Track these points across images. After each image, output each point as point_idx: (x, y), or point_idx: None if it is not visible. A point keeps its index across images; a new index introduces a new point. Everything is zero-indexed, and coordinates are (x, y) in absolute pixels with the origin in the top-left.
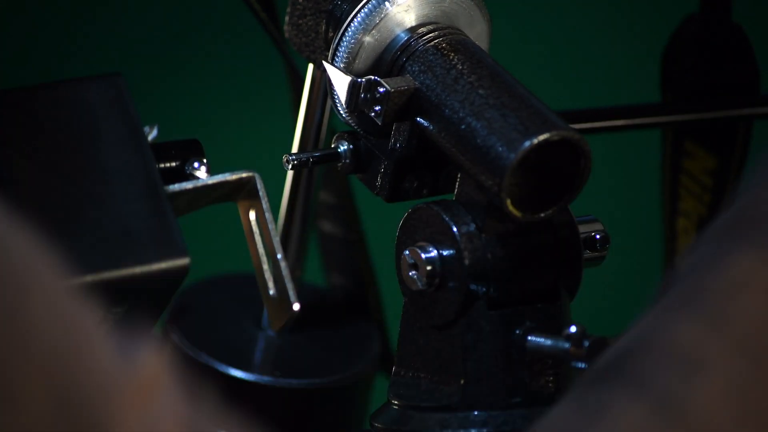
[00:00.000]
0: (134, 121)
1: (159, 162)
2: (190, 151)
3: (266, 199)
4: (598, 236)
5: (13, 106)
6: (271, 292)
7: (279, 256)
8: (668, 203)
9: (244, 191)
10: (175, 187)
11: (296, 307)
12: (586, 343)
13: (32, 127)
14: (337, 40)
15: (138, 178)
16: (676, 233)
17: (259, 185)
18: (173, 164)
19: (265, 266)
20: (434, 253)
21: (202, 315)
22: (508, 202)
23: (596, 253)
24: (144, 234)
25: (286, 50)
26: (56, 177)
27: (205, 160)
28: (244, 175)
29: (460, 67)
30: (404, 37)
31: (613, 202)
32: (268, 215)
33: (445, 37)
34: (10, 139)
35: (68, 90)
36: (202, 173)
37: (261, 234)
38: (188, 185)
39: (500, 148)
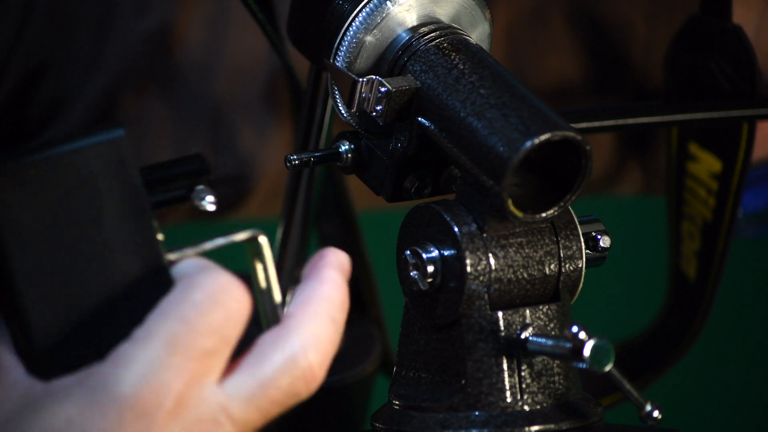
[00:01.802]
0: (135, 188)
1: (165, 191)
2: (195, 173)
3: (271, 258)
4: (599, 236)
5: (15, 179)
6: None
7: (279, 313)
8: (673, 207)
9: (250, 244)
10: (178, 253)
11: None
12: (588, 344)
13: (34, 204)
14: (338, 40)
15: (139, 251)
16: (681, 237)
17: (264, 245)
18: (180, 193)
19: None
20: (435, 253)
21: None
22: (509, 202)
23: (597, 254)
24: (143, 314)
25: (283, 51)
26: (60, 254)
27: (211, 195)
28: (248, 235)
29: (462, 67)
30: (405, 36)
31: (618, 206)
32: (271, 273)
33: (446, 37)
34: (13, 215)
35: (69, 160)
36: (209, 205)
37: (266, 286)
38: (190, 251)
39: (501, 148)
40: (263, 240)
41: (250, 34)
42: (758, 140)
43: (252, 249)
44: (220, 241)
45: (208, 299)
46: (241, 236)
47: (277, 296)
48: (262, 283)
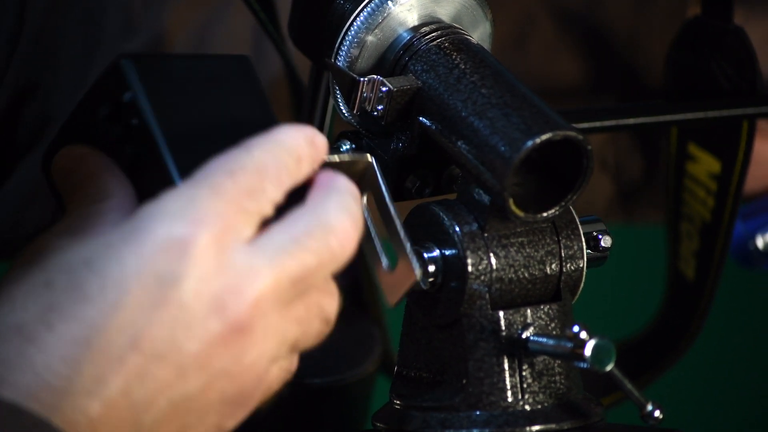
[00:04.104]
0: (264, 97)
1: None
2: None
3: (384, 182)
4: (600, 236)
5: (157, 66)
6: (385, 265)
7: (401, 231)
8: (671, 207)
9: (355, 177)
10: None
11: (418, 274)
12: (589, 343)
13: (175, 87)
14: (339, 39)
15: None
16: (680, 237)
17: (377, 168)
18: None
19: (376, 242)
20: (436, 252)
21: None
22: (511, 201)
23: (598, 253)
24: None
25: (285, 50)
26: (198, 131)
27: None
28: (360, 158)
29: (463, 67)
30: (407, 36)
31: None
32: (387, 196)
33: (447, 37)
34: (161, 102)
35: (204, 64)
36: None
37: (379, 212)
38: None
39: (502, 148)
40: (374, 163)
41: (237, 51)
42: (759, 170)
43: (360, 178)
44: (335, 158)
45: (255, 163)
46: (347, 157)
47: (397, 218)
48: (373, 212)
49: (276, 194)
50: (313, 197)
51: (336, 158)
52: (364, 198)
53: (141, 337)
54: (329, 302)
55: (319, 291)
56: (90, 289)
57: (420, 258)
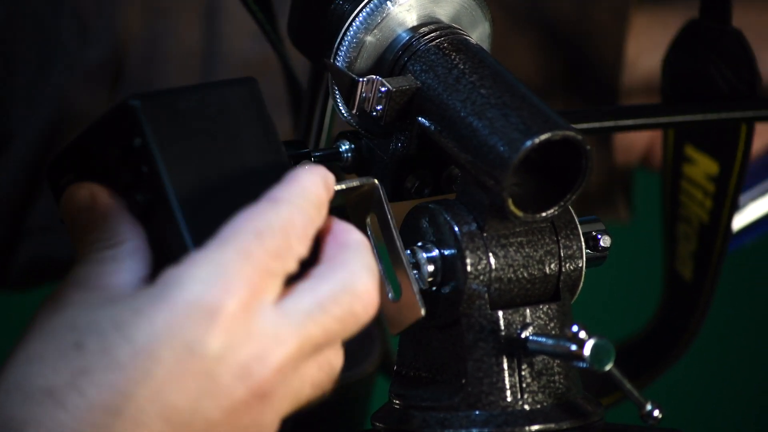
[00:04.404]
0: (270, 124)
1: None
2: (298, 157)
3: (389, 206)
4: (599, 236)
5: (167, 107)
6: (390, 295)
7: (406, 263)
8: (668, 209)
9: (358, 197)
10: None
11: (423, 312)
12: (588, 343)
13: (185, 129)
14: (338, 40)
15: (275, 178)
16: (677, 238)
17: (382, 192)
18: None
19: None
20: (436, 252)
21: None
22: (510, 201)
23: (597, 253)
24: None
25: (283, 50)
26: (207, 177)
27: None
28: (365, 181)
29: (462, 67)
30: (406, 36)
31: None
32: (392, 221)
33: (446, 37)
34: (168, 141)
35: (212, 95)
36: None
37: (384, 240)
38: None
39: (501, 148)
40: (380, 187)
41: (187, 59)
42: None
43: (364, 198)
44: (342, 185)
45: (282, 221)
46: (354, 183)
47: (399, 240)
48: (377, 233)
49: (302, 250)
50: (335, 254)
51: (344, 186)
52: (368, 218)
53: (169, 406)
54: (337, 357)
55: (331, 349)
56: (121, 355)
57: (423, 294)
